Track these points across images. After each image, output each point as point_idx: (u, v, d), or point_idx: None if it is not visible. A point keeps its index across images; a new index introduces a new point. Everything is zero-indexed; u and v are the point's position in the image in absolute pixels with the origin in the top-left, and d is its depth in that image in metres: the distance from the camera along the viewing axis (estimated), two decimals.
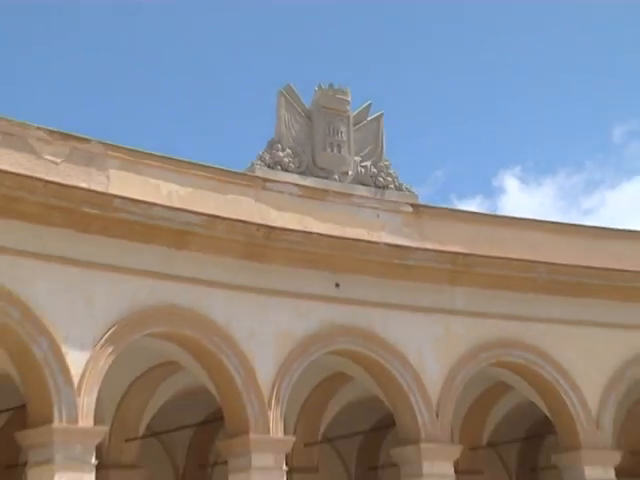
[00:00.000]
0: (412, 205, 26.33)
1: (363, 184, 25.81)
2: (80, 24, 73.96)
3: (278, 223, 23.98)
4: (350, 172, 25.80)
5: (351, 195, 25.52)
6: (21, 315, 20.11)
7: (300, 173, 25.15)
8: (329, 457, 31.32)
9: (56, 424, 20.11)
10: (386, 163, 26.46)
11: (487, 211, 52.18)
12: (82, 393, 20.63)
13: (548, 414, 28.58)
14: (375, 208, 25.76)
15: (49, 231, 20.62)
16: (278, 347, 23.67)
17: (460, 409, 26.97)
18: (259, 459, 22.88)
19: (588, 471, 27.29)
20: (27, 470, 20.89)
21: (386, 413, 27.40)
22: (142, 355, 23.92)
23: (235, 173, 24.41)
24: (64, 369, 20.38)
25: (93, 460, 20.81)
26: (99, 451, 21.47)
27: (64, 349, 20.50)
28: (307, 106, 26.09)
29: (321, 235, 24.33)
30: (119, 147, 22.45)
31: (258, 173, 24.61)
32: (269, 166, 24.81)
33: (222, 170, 24.21)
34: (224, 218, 22.96)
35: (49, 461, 20.09)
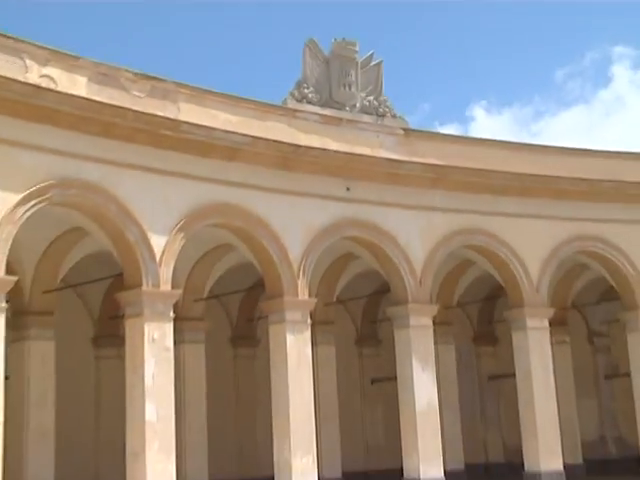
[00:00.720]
0: (403, 129, 26.71)
1: (367, 113, 26.17)
2: None
3: (304, 142, 24.43)
4: (357, 104, 26.14)
5: (358, 122, 25.94)
6: (117, 209, 20.73)
7: (321, 105, 25.49)
8: (342, 314, 31.59)
9: (144, 288, 20.98)
10: (384, 98, 26.72)
11: (460, 134, 51.40)
12: (162, 266, 21.40)
13: (501, 282, 29.12)
14: (376, 131, 26.16)
15: (136, 148, 21.14)
16: (304, 234, 24.28)
17: (437, 278, 27.49)
18: (290, 315, 23.72)
19: (529, 323, 27.88)
20: (125, 320, 21.84)
21: (383, 282, 27.88)
22: (204, 239, 24.47)
23: (273, 105, 24.82)
24: (149, 249, 21.19)
25: (171, 314, 21.79)
26: (175, 308, 22.29)
27: (149, 234, 21.20)
28: (325, 54, 26.22)
29: (336, 152, 24.92)
30: (187, 85, 22.86)
31: (289, 105, 25.02)
32: (297, 100, 25.17)
33: (263, 103, 24.61)
34: (264, 139, 23.52)
35: (140, 314, 21.02)
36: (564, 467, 28.12)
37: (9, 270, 19.20)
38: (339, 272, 29.25)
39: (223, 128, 22.74)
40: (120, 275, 22.28)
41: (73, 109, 19.84)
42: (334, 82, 26.02)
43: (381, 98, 26.67)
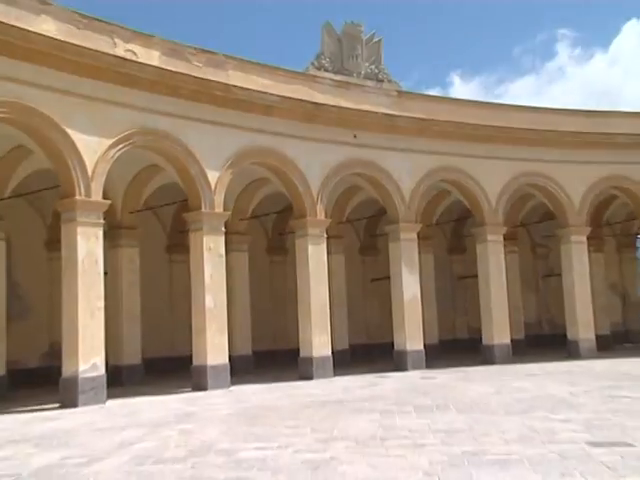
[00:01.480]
0: (397, 91, 26.62)
1: (369, 79, 26.07)
2: None
3: (321, 101, 24.45)
4: (362, 72, 26.03)
5: (363, 85, 25.85)
6: (183, 151, 21.03)
7: (334, 72, 25.41)
8: (349, 230, 31.66)
9: (203, 210, 21.40)
10: (383, 67, 26.61)
11: (441, 94, 51.27)
12: (216, 193, 21.68)
13: (469, 207, 29.13)
14: (376, 93, 26.07)
15: (196, 105, 21.35)
16: (321, 171, 24.41)
17: (421, 204, 27.54)
18: (311, 231, 24.00)
19: (489, 237, 28.01)
20: (189, 234, 22.08)
21: (380, 207, 27.92)
22: (248, 174, 24.61)
23: (298, 72, 24.73)
24: (206, 181, 21.49)
25: (223, 229, 22.15)
26: (226, 225, 22.42)
27: (206, 170, 21.50)
28: (338, 33, 26.09)
29: (346, 108, 24.94)
30: (233, 57, 22.88)
31: (310, 72, 24.96)
32: (317, 69, 25.14)
33: (291, 71, 24.54)
34: (292, 98, 23.58)
35: (200, 229, 21.48)
36: (511, 340, 28.73)
37: (105, 196, 19.79)
38: (347, 199, 29.33)
39: (261, 90, 22.89)
40: (185, 200, 22.49)
41: (149, 75, 20.29)
42: (345, 55, 25.97)
43: (380, 67, 26.59)
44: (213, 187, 21.72)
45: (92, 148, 19.02)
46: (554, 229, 31.19)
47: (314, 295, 23.96)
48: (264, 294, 29.26)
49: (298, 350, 24.28)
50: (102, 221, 19.40)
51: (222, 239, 22.09)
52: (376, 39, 26.82)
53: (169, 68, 20.72)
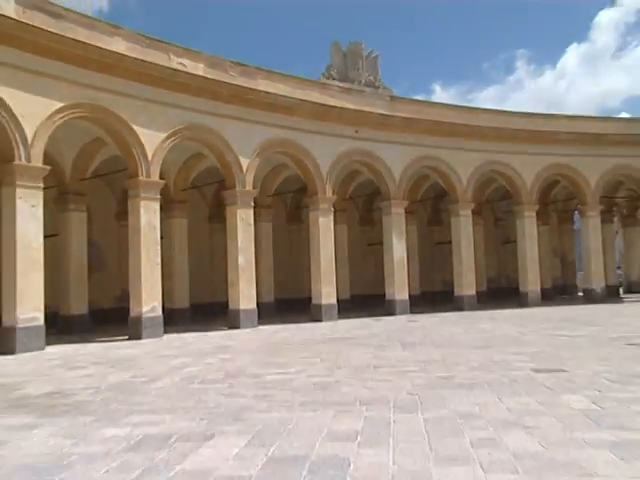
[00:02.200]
0: (390, 96, 26.42)
1: (368, 86, 25.85)
2: None
3: (330, 103, 24.33)
4: (363, 81, 25.81)
5: (363, 91, 25.64)
6: (221, 142, 21.04)
7: (340, 81, 25.24)
8: (351, 205, 31.36)
9: (237, 189, 21.42)
10: (379, 77, 26.37)
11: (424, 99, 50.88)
12: (247, 175, 21.68)
13: (445, 187, 29.02)
14: (373, 97, 25.87)
15: (232, 106, 21.28)
16: (330, 158, 24.33)
17: (408, 185, 27.40)
18: (322, 205, 23.98)
19: (460, 212, 28.15)
20: (226, 207, 22.07)
21: (375, 187, 27.73)
22: (272, 161, 24.55)
23: (312, 80, 24.51)
24: (239, 165, 21.49)
25: (252, 204, 22.11)
26: (255, 200, 22.37)
27: (239, 157, 21.48)
28: (344, 50, 25.87)
29: (349, 109, 24.85)
30: (262, 67, 22.73)
31: (322, 80, 24.82)
32: (327, 78, 25.00)
33: (306, 79, 24.34)
34: (307, 100, 23.52)
35: (234, 204, 21.57)
36: (476, 292, 28.84)
37: (161, 177, 19.87)
38: (350, 181, 29.27)
39: (283, 94, 22.82)
40: (223, 181, 22.34)
41: (196, 83, 20.37)
42: (349, 67, 25.79)
43: (377, 77, 26.36)
44: (245, 170, 21.73)
45: (151, 140, 19.17)
46: (511, 206, 31.24)
47: (323, 256, 24.05)
48: (284, 255, 29.23)
49: (310, 298, 24.44)
50: (159, 197, 19.64)
51: (251, 212, 22.12)
52: (374, 55, 26.59)
53: (211, 77, 20.78)
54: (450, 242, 29.30)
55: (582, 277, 36.12)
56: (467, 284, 28.40)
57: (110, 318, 22.94)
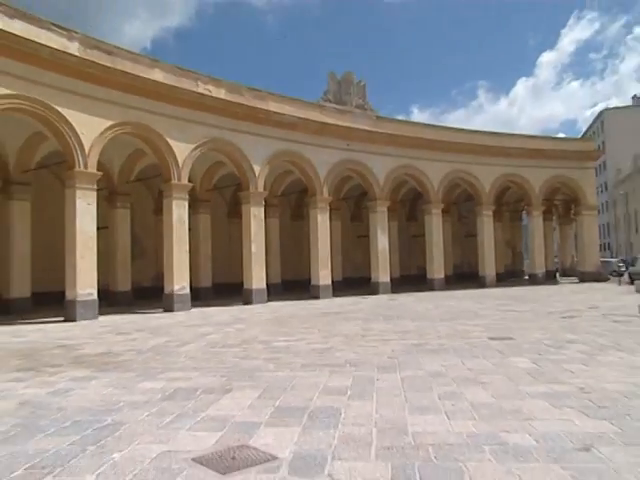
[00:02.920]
0: (376, 116, 26.28)
1: (358, 108, 25.68)
2: None
3: (327, 122, 24.26)
4: (354, 103, 25.61)
5: (353, 112, 25.47)
6: (239, 153, 21.03)
7: (336, 103, 25.11)
8: (344, 205, 30.91)
9: (251, 190, 21.42)
10: (367, 101, 26.22)
11: (404, 119, 50.49)
12: (259, 180, 21.61)
13: (420, 190, 29.09)
14: (362, 117, 25.74)
15: (248, 124, 21.20)
16: (326, 166, 24.29)
17: (390, 188, 27.33)
18: (319, 205, 23.95)
19: (433, 211, 28.18)
20: (242, 205, 21.93)
21: (364, 190, 27.45)
22: (280, 167, 24.36)
23: (312, 103, 24.39)
24: (253, 171, 21.50)
25: (263, 202, 22.03)
26: (265, 200, 22.30)
27: (253, 165, 21.48)
28: (339, 78, 25.64)
29: (342, 126, 24.78)
30: (271, 92, 22.69)
31: (320, 103, 24.69)
32: (324, 100, 24.88)
33: (307, 102, 24.21)
34: (308, 119, 23.49)
35: (248, 203, 21.47)
36: (444, 276, 28.86)
37: (189, 180, 19.77)
38: (343, 184, 29.15)
39: (288, 113, 22.79)
40: (239, 184, 22.26)
41: (218, 104, 20.37)
42: (342, 92, 25.61)
43: (365, 101, 26.17)
44: (257, 175, 21.70)
45: (182, 150, 19.17)
46: (473, 206, 31.27)
47: (321, 246, 24.02)
48: (289, 245, 29.08)
49: (310, 280, 24.41)
50: (187, 197, 19.61)
51: (262, 209, 22.05)
52: (362, 83, 26.36)
53: (230, 100, 20.80)
54: (424, 235, 29.29)
55: (528, 264, 37.00)
56: (437, 269, 28.43)
57: (148, 294, 22.94)
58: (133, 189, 22.39)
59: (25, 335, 12.88)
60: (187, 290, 19.29)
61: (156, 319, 16.22)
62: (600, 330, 11.02)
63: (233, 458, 4.16)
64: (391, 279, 26.87)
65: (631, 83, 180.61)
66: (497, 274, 31.14)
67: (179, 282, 18.99)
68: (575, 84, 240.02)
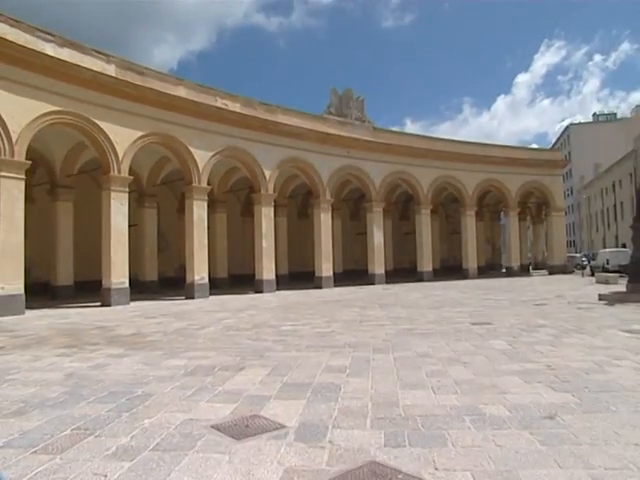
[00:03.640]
0: (373, 128, 26.35)
1: (357, 120, 25.68)
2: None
3: (330, 132, 24.29)
4: (353, 116, 25.63)
5: (353, 124, 25.49)
6: (251, 159, 21.08)
7: (337, 116, 25.13)
8: (344, 205, 30.99)
9: (262, 192, 21.50)
10: (365, 114, 26.20)
11: (398, 130, 50.45)
12: (270, 183, 21.66)
13: (412, 193, 29.08)
14: (360, 128, 25.75)
15: (259, 133, 21.26)
16: (328, 171, 24.34)
17: (385, 191, 27.26)
18: (322, 205, 23.94)
19: (422, 211, 28.12)
20: (255, 206, 21.93)
21: (362, 193, 27.55)
22: (288, 172, 24.37)
23: (317, 115, 24.45)
24: (264, 176, 21.57)
25: (272, 203, 22.08)
26: (275, 201, 22.40)
27: (263, 169, 21.56)
28: (340, 94, 25.62)
29: (343, 136, 24.79)
30: (280, 106, 22.73)
31: (324, 115, 24.73)
32: (327, 113, 24.91)
33: (313, 114, 24.23)
34: (313, 130, 23.54)
35: (260, 203, 21.57)
36: (433, 269, 28.88)
37: (208, 183, 19.84)
38: (343, 188, 29.17)
39: (296, 125, 22.85)
40: (252, 187, 22.31)
41: (234, 117, 20.46)
42: (343, 106, 25.61)
43: (363, 114, 26.18)
44: (268, 179, 21.77)
45: (202, 157, 19.23)
46: (458, 207, 31.25)
47: (323, 242, 24.06)
48: (295, 240, 28.99)
49: (314, 272, 24.44)
50: (206, 198, 19.67)
51: (272, 209, 22.10)
52: (361, 98, 26.37)
53: (245, 113, 20.83)
54: (415, 232, 29.27)
55: (505, 258, 37.32)
56: (426, 263, 28.43)
57: (172, 283, 23.06)
58: (159, 191, 22.44)
59: (69, 317, 13.09)
60: (206, 280, 19.38)
61: (179, 305, 16.27)
62: (566, 316, 11.02)
63: (246, 426, 4.22)
64: (385, 271, 26.87)
65: (593, 102, 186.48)
66: (479, 267, 31.13)
67: (199, 273, 19.08)
68: (546, 102, 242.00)
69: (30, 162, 14.33)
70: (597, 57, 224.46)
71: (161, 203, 23.02)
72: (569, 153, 75.88)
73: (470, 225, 30.18)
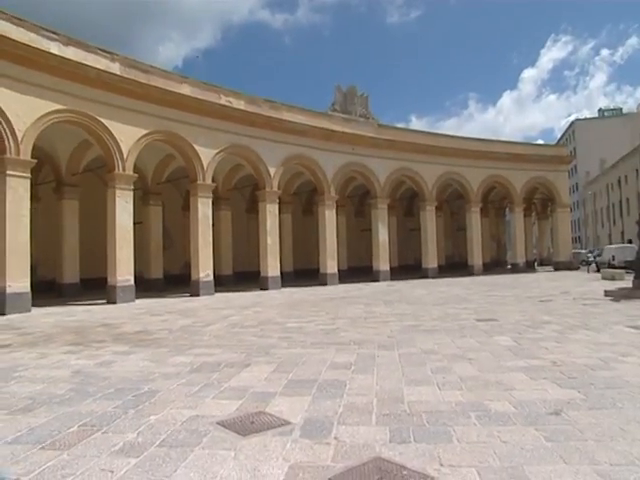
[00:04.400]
0: (378, 124, 26.25)
1: (361, 117, 25.62)
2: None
3: (334, 129, 24.23)
4: (358, 113, 25.58)
5: (357, 121, 25.44)
6: (255, 156, 21.06)
7: (342, 113, 25.07)
8: (349, 202, 30.89)
9: (267, 189, 21.51)
10: (369, 110, 26.12)
11: (403, 126, 50.16)
12: (274, 180, 21.67)
13: (416, 189, 29.04)
14: (365, 125, 25.71)
15: (264, 131, 21.24)
16: (333, 168, 24.31)
17: (390, 188, 27.21)
18: (327, 202, 23.89)
19: (427, 208, 28.09)
20: (259, 203, 21.96)
21: (367, 189, 27.34)
22: (292, 169, 24.36)
23: (321, 112, 24.39)
24: (268, 173, 21.57)
25: (277, 200, 22.05)
26: (279, 197, 22.44)
27: (268, 167, 21.51)
28: (344, 91, 25.57)
29: (348, 133, 24.73)
30: (285, 103, 22.70)
31: (328, 112, 24.66)
32: (332, 110, 24.84)
33: (317, 111, 24.16)
34: (317, 127, 23.45)
35: (264, 201, 21.58)
36: (438, 265, 28.80)
37: (212, 181, 19.86)
38: (348, 184, 29.06)
39: (300, 122, 22.79)
40: (256, 184, 22.28)
41: (238, 114, 20.44)
42: (347, 103, 25.55)
43: (368, 110, 26.09)
44: (272, 177, 21.74)
45: (206, 155, 19.26)
46: (463, 204, 31.18)
47: (328, 239, 24.02)
48: (299, 237, 28.92)
49: (319, 269, 24.43)
50: (211, 195, 19.69)
51: (277, 206, 22.10)
52: (365, 95, 26.27)
53: (249, 110, 20.80)
54: (419, 229, 29.21)
55: (510, 254, 36.93)
56: (431, 259, 28.37)
57: (177, 281, 23.09)
58: (164, 189, 22.43)
59: (75, 315, 13.15)
60: (211, 277, 19.42)
61: (184, 302, 16.31)
62: (571, 312, 11.01)
63: (252, 422, 4.24)
64: (390, 268, 26.78)
65: (599, 97, 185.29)
66: (484, 264, 31.07)
67: (204, 270, 19.13)
68: (553, 97, 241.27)
69: (35, 161, 14.44)
70: (604, 52, 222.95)
71: (166, 201, 23.02)
72: (574, 149, 75.52)
73: (475, 221, 30.10)
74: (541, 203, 38.73)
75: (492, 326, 9.32)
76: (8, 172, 13.54)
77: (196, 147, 18.86)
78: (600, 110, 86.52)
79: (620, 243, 43.24)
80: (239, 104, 20.52)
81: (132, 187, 16.95)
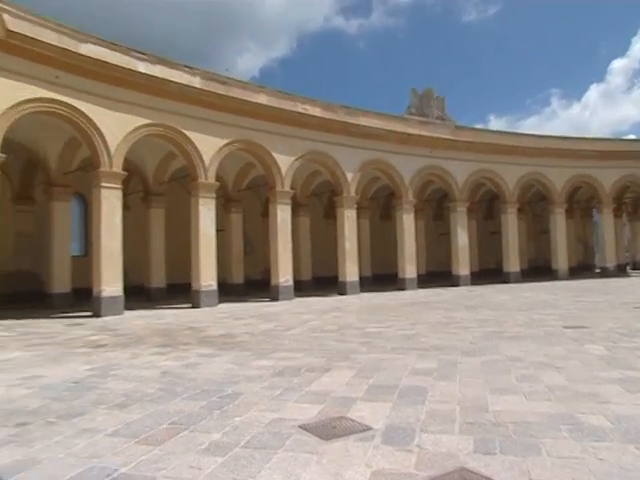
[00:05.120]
0: (455, 126, 25.54)
1: (438, 119, 24.99)
2: None
3: (411, 132, 23.81)
4: (434, 115, 25.02)
5: (434, 123, 24.81)
6: (333, 162, 21.09)
7: (418, 116, 24.65)
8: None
9: (344, 194, 21.37)
10: (446, 112, 25.53)
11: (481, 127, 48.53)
12: (350, 185, 21.57)
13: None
14: (442, 127, 25.10)
15: (340, 136, 21.14)
16: (411, 171, 23.86)
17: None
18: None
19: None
20: (337, 209, 22.04)
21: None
22: (369, 174, 24.15)
23: (398, 116, 23.96)
24: (345, 178, 21.38)
25: (355, 205, 22.10)
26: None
27: (345, 172, 21.44)
28: (420, 93, 25.10)
29: (425, 136, 24.27)
30: (360, 108, 22.51)
31: (404, 116, 24.25)
32: (407, 114, 24.39)
33: (394, 115, 23.77)
34: (393, 130, 23.18)
35: (342, 206, 21.56)
36: (520, 269, 27.53)
37: (290, 187, 20.12)
38: (426, 188, 28.45)
39: (376, 126, 22.50)
40: (334, 190, 22.22)
41: (314, 121, 20.63)
42: (424, 106, 25.06)
43: (444, 112, 25.47)
44: (349, 182, 21.72)
45: (284, 162, 19.57)
46: (546, 205, 29.74)
47: (407, 243, 23.56)
48: (378, 242, 28.31)
49: (397, 274, 23.93)
50: (290, 201, 19.91)
51: (354, 211, 21.96)
52: (441, 97, 25.63)
53: (325, 117, 20.83)
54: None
55: (599, 258, 34.75)
56: (513, 263, 27.15)
57: (258, 286, 23.51)
58: (244, 196, 22.99)
59: (163, 317, 13.84)
60: (291, 282, 19.69)
61: (265, 307, 16.64)
62: None
63: (334, 427, 4.25)
64: (470, 273, 25.95)
65: None
66: (570, 268, 29.35)
67: (284, 275, 19.43)
68: None
69: (126, 173, 15.38)
70: None
71: (246, 208, 23.51)
72: None
73: (559, 223, 28.58)
74: (633, 203, 36.37)
75: (582, 333, 8.85)
76: (102, 184, 14.54)
77: (274, 155, 19.25)
78: None
79: None
80: (315, 111, 20.70)
81: (214, 195, 17.54)
